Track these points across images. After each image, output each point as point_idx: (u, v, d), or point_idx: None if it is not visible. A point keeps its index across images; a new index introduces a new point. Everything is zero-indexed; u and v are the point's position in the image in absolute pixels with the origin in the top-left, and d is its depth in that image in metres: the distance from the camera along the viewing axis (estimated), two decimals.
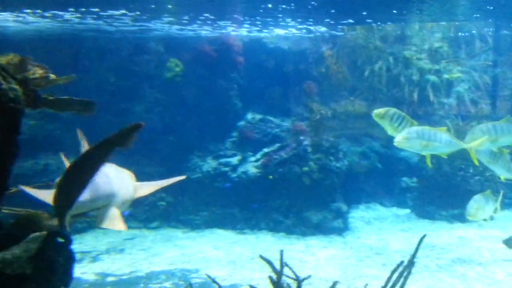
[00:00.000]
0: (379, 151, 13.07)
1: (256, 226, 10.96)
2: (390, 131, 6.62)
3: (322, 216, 10.61)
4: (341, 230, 10.63)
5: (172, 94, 11.89)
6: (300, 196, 10.79)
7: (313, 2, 11.04)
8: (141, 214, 11.19)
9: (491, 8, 13.24)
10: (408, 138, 6.08)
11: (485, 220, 7.90)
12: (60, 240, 3.46)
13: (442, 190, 11.43)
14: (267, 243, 10.06)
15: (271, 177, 10.86)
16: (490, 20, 14.79)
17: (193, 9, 11.17)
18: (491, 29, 15.16)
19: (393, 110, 6.56)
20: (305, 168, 10.83)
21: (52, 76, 4.64)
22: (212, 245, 9.94)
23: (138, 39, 12.47)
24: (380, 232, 10.76)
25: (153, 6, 10.15)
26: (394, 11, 12.95)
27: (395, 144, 6.24)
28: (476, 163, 6.49)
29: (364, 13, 13.08)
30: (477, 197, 7.66)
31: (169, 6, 10.37)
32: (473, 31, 15.25)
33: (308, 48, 13.99)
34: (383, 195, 13.01)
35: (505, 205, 12.20)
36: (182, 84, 11.91)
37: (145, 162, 11.45)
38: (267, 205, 11.03)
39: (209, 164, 11.42)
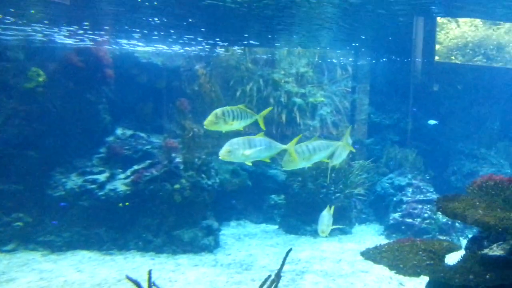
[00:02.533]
0: (249, 169, 13.42)
1: (124, 246, 10.49)
2: (229, 129, 6.77)
3: (193, 234, 10.53)
4: (212, 247, 10.64)
5: (33, 105, 10.99)
6: (171, 214, 10.60)
7: (189, 20, 11.12)
8: None
9: (352, 42, 14.58)
10: (230, 150, 6.31)
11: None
12: None
13: (307, 206, 12.05)
14: (136, 263, 9.67)
15: (121, 204, 10.51)
16: (350, 50, 16.21)
17: (60, 17, 10.58)
18: (350, 59, 16.62)
19: (218, 111, 6.48)
20: (177, 186, 10.69)
21: None
22: (75, 268, 9.27)
23: None
24: (249, 248, 10.98)
25: (11, 10, 9.41)
26: (266, 38, 13.61)
27: (220, 157, 6.43)
28: (296, 159, 6.89)
29: (237, 35, 13.53)
30: (325, 214, 8.16)
31: (32, 11, 9.69)
32: (335, 60, 16.58)
33: (182, 65, 13.99)
34: (253, 212, 13.35)
35: (361, 220, 13.31)
36: (45, 96, 11.08)
37: None
38: (137, 223, 10.65)
39: (74, 181, 10.71)
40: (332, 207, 8.33)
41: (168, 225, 10.57)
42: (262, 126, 7.11)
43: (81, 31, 11.78)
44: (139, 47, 14.03)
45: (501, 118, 15.60)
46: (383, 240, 11.45)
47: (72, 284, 8.39)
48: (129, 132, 11.93)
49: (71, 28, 11.53)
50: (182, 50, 14.98)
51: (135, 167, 11.13)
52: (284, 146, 6.70)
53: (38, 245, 10.32)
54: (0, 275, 8.75)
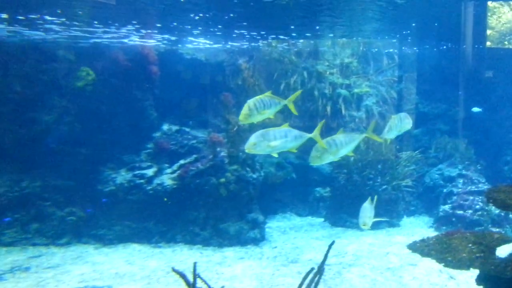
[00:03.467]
0: (294, 162, 13.39)
1: (172, 239, 10.74)
2: (262, 118, 6.80)
3: (239, 227, 10.63)
4: (258, 240, 10.71)
5: (84, 104, 11.40)
6: (217, 208, 10.73)
7: (231, 14, 11.18)
8: (49, 229, 10.56)
9: (399, 30, 14.20)
10: (256, 142, 6.34)
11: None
12: None
13: (353, 199, 11.88)
14: (184, 256, 9.88)
15: (166, 199, 10.72)
16: (395, 40, 15.82)
17: (107, 17, 10.88)
18: (396, 48, 16.21)
19: (250, 103, 6.56)
20: (222, 179, 10.81)
21: None
22: (126, 260, 9.59)
23: (46, 46, 11.86)
24: (295, 241, 10.97)
25: (58, 11, 9.76)
26: (308, 29, 13.47)
27: (246, 150, 6.45)
28: (324, 146, 6.81)
29: (280, 28, 13.47)
30: (366, 206, 8.01)
31: (80, 12, 10.02)
32: (380, 49, 16.21)
33: (225, 60, 14.10)
34: (298, 204, 13.33)
35: (410, 212, 13.02)
36: (94, 94, 11.46)
37: (51, 175, 10.88)
38: (184, 217, 10.87)
39: (123, 176, 11.04)
40: (375, 198, 8.18)
41: (214, 218, 10.72)
42: (293, 111, 7.09)
43: (126, 30, 12.09)
44: (181, 43, 14.25)
45: None
46: (432, 233, 11.16)
47: (123, 276, 8.68)
48: (175, 128, 12.16)
49: (118, 28, 11.85)
50: (225, 45, 15.11)
51: (181, 161, 11.34)
52: (309, 135, 6.72)
53: (90, 238, 10.73)
54: (55, 267, 9.16)
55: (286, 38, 14.85)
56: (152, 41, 13.63)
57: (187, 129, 12.30)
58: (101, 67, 11.76)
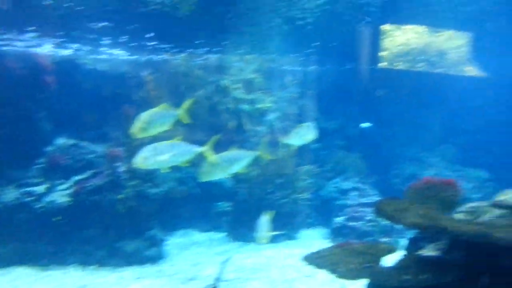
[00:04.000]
0: (196, 177, 13.27)
1: (64, 260, 10.09)
2: (158, 131, 6.71)
3: (136, 245, 10.27)
4: (157, 258, 10.42)
5: None
6: (113, 225, 10.29)
7: (134, 25, 10.92)
8: None
9: (301, 49, 14.74)
10: (145, 157, 6.30)
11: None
12: None
13: (254, 213, 11.93)
14: (76, 278, 9.33)
15: (57, 218, 10.14)
16: (299, 57, 16.40)
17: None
18: (299, 66, 16.80)
19: (143, 116, 6.44)
20: (120, 196, 10.42)
21: None
22: (11, 285, 8.85)
23: None
24: (196, 257, 10.82)
25: None
26: (215, 44, 13.56)
27: (135, 165, 6.36)
28: (214, 160, 6.87)
29: (185, 42, 13.41)
30: (262, 220, 8.18)
31: None
32: (284, 66, 16.70)
33: (129, 71, 13.73)
34: (200, 219, 13.19)
35: (308, 225, 13.41)
36: None
37: None
38: (77, 236, 10.28)
39: (10, 194, 10.24)
40: (271, 213, 8.32)
41: (111, 237, 10.26)
42: (185, 120, 7.04)
43: (21, 36, 11.37)
44: (84, 53, 13.69)
45: (441, 122, 16.15)
46: (328, 244, 11.50)
47: None
48: (71, 141, 11.54)
49: (10, 34, 11.11)
50: (129, 56, 14.73)
51: (77, 177, 10.77)
52: (200, 149, 6.72)
53: None
54: None
55: (193, 52, 14.81)
56: (68, 51, 12.95)
57: (85, 143, 11.72)
58: None
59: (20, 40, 11.91)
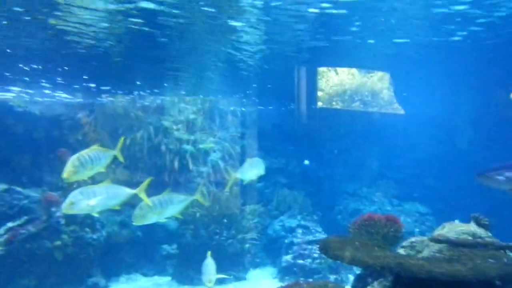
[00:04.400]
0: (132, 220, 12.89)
1: None
2: (91, 173, 6.57)
3: None
4: None
5: None
6: (51, 274, 9.76)
7: (65, 67, 10.70)
8: None
9: (240, 90, 15.02)
10: (73, 202, 6.22)
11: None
12: None
13: (200, 255, 11.69)
14: None
15: None
16: (240, 98, 16.69)
17: None
18: (240, 107, 17.07)
19: (73, 158, 6.37)
20: (58, 242, 9.93)
21: None
22: None
23: None
24: None
25: None
26: (154, 86, 13.53)
27: (63, 211, 6.33)
28: (148, 202, 6.96)
29: (125, 83, 13.30)
30: (207, 263, 8.12)
31: None
32: (225, 107, 16.89)
33: (63, 114, 13.36)
34: (144, 264, 12.72)
35: (256, 264, 13.31)
36: None
37: None
38: (11, 287, 9.62)
39: None
40: (210, 253, 8.25)
41: (48, 286, 9.69)
42: (121, 159, 6.93)
43: None
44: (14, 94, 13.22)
45: (378, 158, 16.80)
46: (277, 284, 11.45)
47: None
48: (3, 187, 10.93)
49: None
50: (68, 99, 14.38)
51: (10, 224, 10.17)
52: (133, 191, 6.65)
53: None
54: None
55: (131, 92, 14.69)
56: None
57: (18, 189, 11.13)
58: None
59: None
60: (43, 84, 12.42)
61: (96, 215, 6.68)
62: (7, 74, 11.14)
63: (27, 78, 11.60)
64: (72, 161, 6.21)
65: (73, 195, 6.17)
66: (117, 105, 14.66)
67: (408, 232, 11.55)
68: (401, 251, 5.98)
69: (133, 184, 14.27)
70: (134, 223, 6.75)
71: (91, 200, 6.26)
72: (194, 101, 16.09)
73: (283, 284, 10.82)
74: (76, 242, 10.10)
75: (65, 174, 6.14)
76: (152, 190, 13.99)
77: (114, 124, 14.30)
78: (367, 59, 11.72)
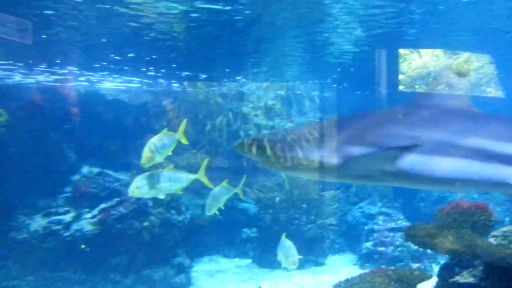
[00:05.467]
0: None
1: None
2: (164, 157, 6.83)
3: (164, 273, 10.26)
4: (184, 285, 10.39)
5: None
6: (140, 253, 10.32)
7: (154, 56, 11.12)
8: None
9: (318, 75, 14.86)
10: (139, 186, 6.44)
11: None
12: None
13: (279, 239, 11.90)
14: None
15: (83, 246, 10.18)
16: (316, 84, 16.53)
17: (21, 56, 10.45)
18: (317, 92, 16.91)
19: (150, 145, 6.62)
20: (146, 223, 10.46)
21: None
22: None
23: None
24: (222, 284, 10.75)
25: None
26: (227, 70, 13.72)
27: (129, 194, 6.68)
28: (210, 186, 7.46)
29: (205, 70, 13.61)
30: (287, 245, 8.12)
31: None
32: (303, 92, 16.82)
33: (149, 101, 13.95)
34: (225, 246, 13.13)
35: (335, 250, 13.25)
36: (6, 136, 10.80)
37: None
38: (105, 264, 10.31)
39: (38, 222, 10.34)
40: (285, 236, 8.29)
41: (138, 264, 10.27)
42: (184, 141, 7.15)
43: (43, 69, 11.65)
44: (107, 83, 13.98)
45: None
46: (357, 270, 11.36)
47: None
48: (96, 170, 11.66)
49: (34, 66, 11.40)
50: (152, 85, 14.98)
51: (103, 205, 10.84)
52: (194, 176, 6.89)
53: None
54: None
55: (211, 79, 15.02)
56: (73, 83, 13.24)
57: (109, 172, 11.83)
58: (15, 108, 11.16)
59: (47, 74, 12.22)
60: (132, 73, 13.00)
61: (161, 197, 7.04)
62: (97, 64, 11.78)
63: (116, 67, 12.17)
64: (148, 147, 6.54)
65: (139, 180, 6.55)
66: (198, 92, 15.09)
67: (498, 222, 10.93)
68: (492, 240, 5.70)
69: (212, 169, 14.77)
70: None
71: (156, 184, 6.57)
72: (272, 87, 16.18)
73: (363, 271, 10.75)
74: (163, 223, 10.58)
75: (143, 160, 6.51)
76: (231, 176, 14.36)
77: (195, 110, 14.74)
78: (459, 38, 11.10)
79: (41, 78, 12.78)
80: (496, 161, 3.31)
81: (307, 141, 3.48)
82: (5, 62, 10.91)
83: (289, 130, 3.55)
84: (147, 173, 6.66)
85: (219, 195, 8.14)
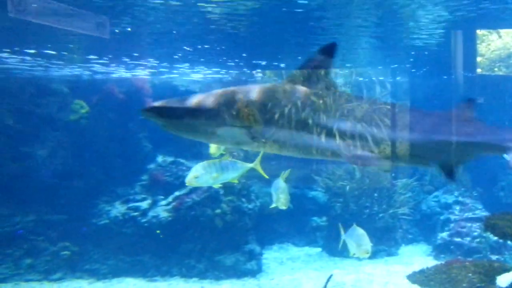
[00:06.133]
0: (290, 191, 13.28)
1: (167, 272, 10.54)
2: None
3: (235, 259, 10.48)
4: (255, 272, 10.55)
5: (77, 137, 11.37)
6: (212, 239, 10.60)
7: (223, 47, 11.29)
8: (42, 265, 10.36)
9: (390, 60, 14.40)
10: (197, 176, 6.49)
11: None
12: None
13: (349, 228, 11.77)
14: None
15: (158, 231, 10.59)
16: (389, 68, 16.03)
17: (99, 51, 10.96)
18: (389, 77, 16.38)
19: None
20: (218, 210, 10.71)
21: None
22: None
23: (40, 80, 11.92)
24: (293, 272, 10.81)
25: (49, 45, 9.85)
26: (299, 58, 13.62)
27: (186, 184, 6.90)
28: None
29: (275, 58, 13.63)
30: (360, 233, 7.96)
31: (71, 46, 10.11)
32: (373, 78, 16.36)
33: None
34: (295, 234, 13.17)
35: (408, 240, 12.90)
36: (88, 127, 11.45)
37: (44, 210, 10.75)
38: (179, 249, 10.70)
39: (117, 209, 10.93)
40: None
41: (210, 250, 10.57)
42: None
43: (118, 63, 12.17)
44: (175, 75, 14.36)
45: None
46: (431, 261, 11.01)
47: None
48: (169, 159, 12.09)
49: (112, 60, 11.94)
50: (223, 75, 15.24)
51: (176, 193, 11.23)
52: (250, 165, 6.93)
53: (84, 273, 10.54)
54: None
55: (280, 68, 15.00)
56: (144, 72, 13.73)
57: (182, 160, 12.22)
58: (95, 100, 11.79)
59: (124, 66, 12.77)
60: (202, 63, 13.28)
61: (217, 186, 7.27)
62: (169, 56, 12.13)
63: (188, 58, 12.46)
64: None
65: (197, 169, 6.76)
66: (267, 81, 15.15)
67: None
68: None
69: (282, 158, 14.80)
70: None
71: (213, 174, 6.75)
72: (341, 73, 15.90)
73: (438, 262, 10.40)
74: (234, 211, 10.78)
75: (211, 150, 6.77)
76: (301, 164, 14.32)
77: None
78: None
79: (118, 71, 13.37)
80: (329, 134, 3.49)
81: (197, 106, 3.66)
82: (90, 58, 11.49)
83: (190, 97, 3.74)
84: (203, 163, 6.91)
85: (281, 187, 8.21)
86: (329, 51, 3.73)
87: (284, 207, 7.46)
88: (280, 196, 7.74)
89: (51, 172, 11.06)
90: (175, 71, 14.05)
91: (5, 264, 10.18)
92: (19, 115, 10.97)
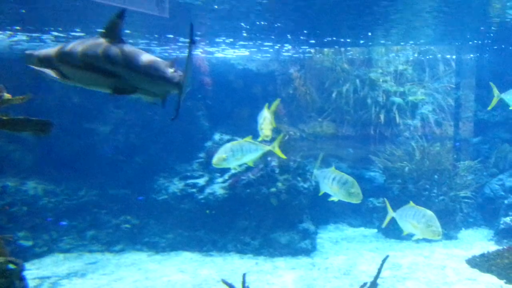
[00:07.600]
0: (346, 172, 13.09)
1: (223, 248, 10.80)
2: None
3: (289, 237, 10.56)
4: (309, 251, 10.58)
5: (138, 114, 11.74)
6: (267, 217, 10.72)
7: (278, 24, 11.18)
8: (104, 236, 10.91)
9: (453, 37, 13.71)
10: (224, 157, 6.98)
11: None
12: (12, 266, 3.30)
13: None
14: (234, 265, 9.91)
15: (207, 211, 10.80)
16: (452, 45, 15.28)
17: (156, 29, 11.16)
18: (453, 55, 15.64)
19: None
20: (273, 189, 10.78)
21: (7, 95, 4.51)
22: (178, 268, 9.73)
23: None
24: (347, 252, 10.76)
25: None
26: (361, 36, 13.27)
27: (213, 165, 7.20)
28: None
29: (332, 35, 13.34)
30: (428, 213, 7.61)
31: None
32: (437, 55, 15.69)
33: (276, 69, 14.13)
34: (350, 215, 13.06)
35: (468, 224, 12.46)
36: (149, 105, 11.77)
37: (108, 184, 11.25)
38: (235, 226, 10.91)
39: (176, 185, 11.25)
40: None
41: (265, 228, 10.70)
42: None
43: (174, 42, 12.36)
44: (232, 54, 14.41)
45: None
46: (492, 246, 10.62)
47: (175, 284, 8.81)
48: (226, 137, 12.26)
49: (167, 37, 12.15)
50: (277, 54, 15.12)
51: (232, 171, 11.39)
52: (269, 147, 7.23)
53: (144, 245, 10.99)
54: (109, 274, 9.43)
55: (337, 45, 14.69)
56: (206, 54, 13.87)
57: (239, 139, 12.32)
58: None
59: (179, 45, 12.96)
60: (262, 40, 13.23)
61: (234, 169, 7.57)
62: (224, 37, 12.17)
63: (247, 36, 12.44)
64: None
65: (224, 151, 7.13)
66: (324, 59, 14.92)
67: None
68: None
69: (338, 137, 14.60)
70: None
71: (239, 155, 7.12)
72: (403, 50, 15.37)
73: (499, 247, 10.00)
74: (289, 189, 10.81)
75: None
76: (358, 144, 14.06)
77: (321, 77, 14.61)
78: None
79: (174, 51, 13.59)
80: None
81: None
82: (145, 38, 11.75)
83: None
84: (230, 144, 7.23)
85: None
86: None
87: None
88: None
89: (114, 148, 11.53)
90: (231, 50, 14.12)
91: (71, 235, 10.80)
92: (83, 93, 11.45)
